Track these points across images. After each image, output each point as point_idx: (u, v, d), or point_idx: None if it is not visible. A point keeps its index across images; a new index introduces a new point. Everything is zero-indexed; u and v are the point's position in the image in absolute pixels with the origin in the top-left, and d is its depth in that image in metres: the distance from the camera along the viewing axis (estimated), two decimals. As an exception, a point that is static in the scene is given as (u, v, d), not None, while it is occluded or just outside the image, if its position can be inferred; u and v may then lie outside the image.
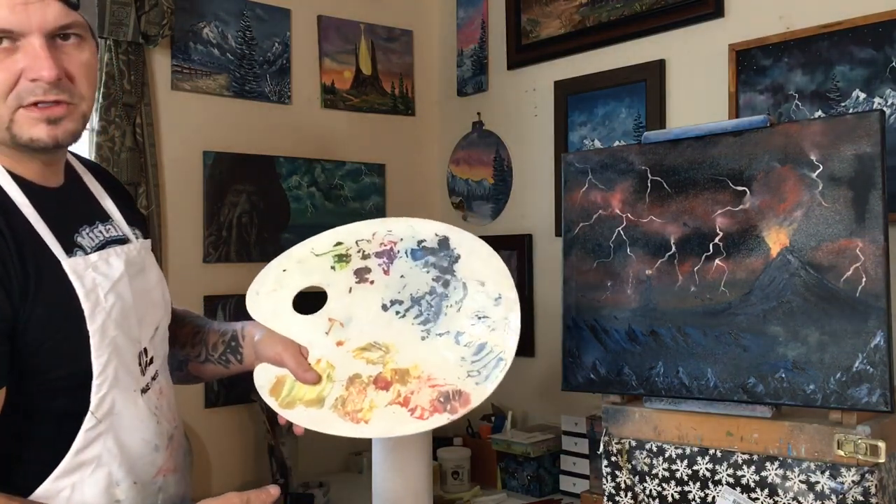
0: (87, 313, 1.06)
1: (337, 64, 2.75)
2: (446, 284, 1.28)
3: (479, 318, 1.26)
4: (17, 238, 1.03)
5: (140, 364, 1.16)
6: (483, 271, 1.28)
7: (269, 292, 1.33)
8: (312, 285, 1.32)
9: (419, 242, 1.29)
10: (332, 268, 1.30)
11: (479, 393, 1.23)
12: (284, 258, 1.34)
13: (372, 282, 1.30)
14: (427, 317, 1.28)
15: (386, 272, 1.29)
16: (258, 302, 1.33)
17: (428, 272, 1.29)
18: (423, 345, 1.26)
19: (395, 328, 1.28)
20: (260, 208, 2.54)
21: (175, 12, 2.30)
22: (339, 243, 1.32)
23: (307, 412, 1.25)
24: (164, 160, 2.38)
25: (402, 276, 1.30)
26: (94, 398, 1.07)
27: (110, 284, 1.11)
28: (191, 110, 2.43)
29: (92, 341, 1.06)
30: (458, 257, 1.29)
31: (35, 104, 1.04)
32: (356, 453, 2.61)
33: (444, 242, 1.30)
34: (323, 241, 1.33)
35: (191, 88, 2.43)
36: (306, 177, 2.64)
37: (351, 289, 1.30)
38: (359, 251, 1.30)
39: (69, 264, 1.07)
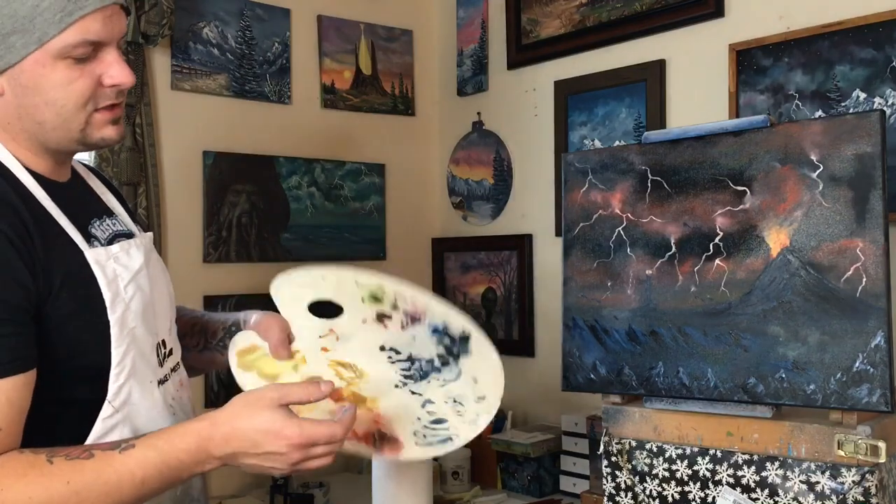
0: (107, 303, 1.08)
1: (337, 64, 2.74)
2: (445, 363, 1.31)
3: (455, 401, 1.30)
4: (41, 228, 1.05)
5: (158, 356, 1.18)
6: (482, 373, 1.29)
7: (298, 284, 1.34)
8: (335, 302, 1.35)
9: (445, 326, 1.30)
10: (363, 299, 1.32)
11: (411, 452, 1.29)
12: (330, 270, 1.35)
13: (386, 326, 1.31)
14: (413, 374, 1.31)
15: (403, 327, 1.31)
16: (283, 285, 1.35)
17: (437, 347, 1.31)
18: (393, 391, 1.31)
19: (379, 366, 1.31)
20: (260, 208, 2.54)
21: (175, 12, 2.30)
22: (381, 286, 1.33)
23: (256, 381, 1.30)
24: (164, 160, 2.38)
25: (413, 337, 1.31)
26: (112, 387, 1.09)
27: (130, 276, 1.13)
28: (191, 110, 2.43)
29: (112, 331, 1.08)
30: (469, 353, 1.30)
31: (105, 107, 1.11)
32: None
33: (465, 338, 1.30)
34: (370, 279, 1.33)
35: (191, 88, 2.43)
36: (306, 177, 2.64)
37: (365, 320, 1.32)
38: (393, 301, 1.31)
39: (91, 254, 1.09)
